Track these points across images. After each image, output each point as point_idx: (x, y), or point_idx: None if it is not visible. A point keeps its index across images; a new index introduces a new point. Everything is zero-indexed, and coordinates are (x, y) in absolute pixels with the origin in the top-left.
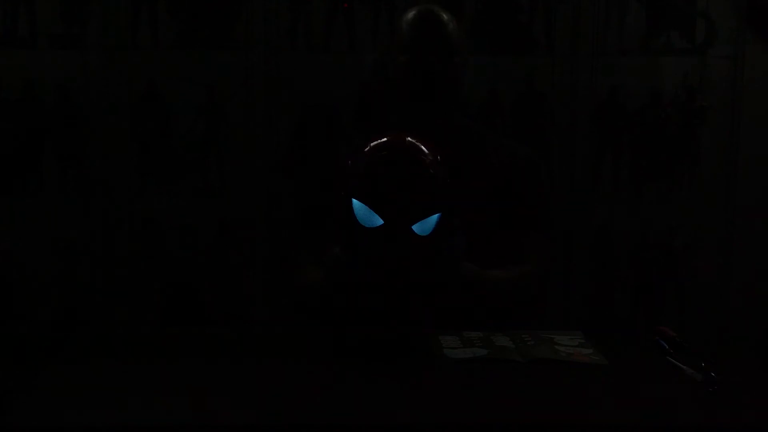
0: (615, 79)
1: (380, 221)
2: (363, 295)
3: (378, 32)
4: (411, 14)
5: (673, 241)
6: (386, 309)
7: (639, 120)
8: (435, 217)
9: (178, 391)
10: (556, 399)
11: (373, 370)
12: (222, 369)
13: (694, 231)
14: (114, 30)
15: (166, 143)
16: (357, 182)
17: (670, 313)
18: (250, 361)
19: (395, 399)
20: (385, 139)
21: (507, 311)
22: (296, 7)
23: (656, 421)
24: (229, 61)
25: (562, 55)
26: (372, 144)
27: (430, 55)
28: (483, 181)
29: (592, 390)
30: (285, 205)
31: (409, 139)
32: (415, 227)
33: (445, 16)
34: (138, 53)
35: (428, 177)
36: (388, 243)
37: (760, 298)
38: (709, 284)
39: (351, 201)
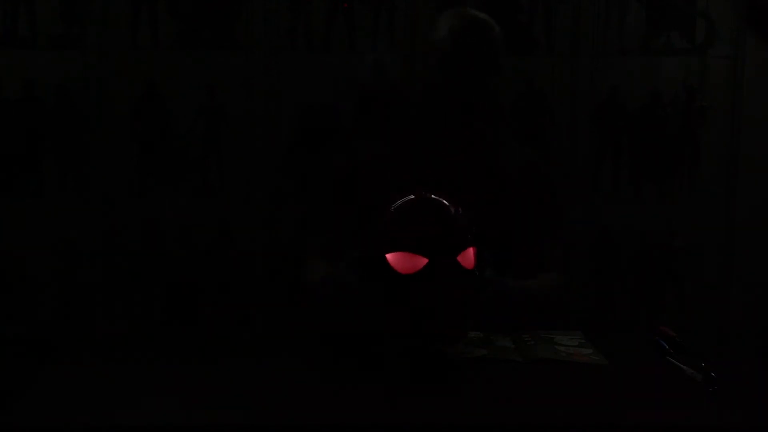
0: (615, 79)
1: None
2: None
3: (378, 32)
4: (456, 21)
5: (673, 241)
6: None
7: (639, 120)
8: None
9: (178, 391)
10: (556, 399)
11: (373, 370)
12: (222, 369)
13: (695, 231)
14: (114, 30)
15: (166, 143)
16: (392, 236)
17: (670, 313)
18: (250, 361)
19: (395, 399)
20: (410, 197)
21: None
22: (296, 7)
23: (656, 421)
24: (229, 61)
25: (562, 55)
26: (397, 204)
27: (478, 65)
28: (499, 185)
29: (592, 390)
30: (285, 205)
31: (433, 196)
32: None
33: (492, 25)
34: (138, 53)
35: (457, 223)
36: (435, 279)
37: (760, 298)
38: (709, 284)
39: (384, 258)
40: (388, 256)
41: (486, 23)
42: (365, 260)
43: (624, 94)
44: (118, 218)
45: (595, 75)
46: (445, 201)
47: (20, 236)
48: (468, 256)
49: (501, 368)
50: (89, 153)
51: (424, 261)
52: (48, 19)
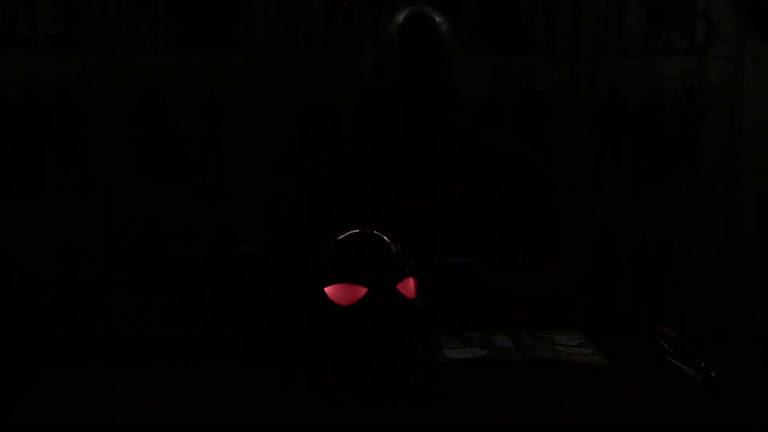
0: (615, 79)
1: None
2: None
3: (378, 32)
4: (400, 18)
5: (673, 241)
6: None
7: (639, 120)
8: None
9: (178, 391)
10: (556, 399)
11: (372, 370)
12: (221, 369)
13: (694, 231)
14: (114, 30)
15: (166, 143)
16: (330, 268)
17: (670, 313)
18: (250, 361)
19: (395, 399)
20: (353, 231)
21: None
22: (296, 7)
23: (656, 421)
24: (229, 61)
25: (562, 55)
26: (337, 238)
27: (421, 59)
28: (480, 178)
29: (592, 390)
30: (283, 205)
31: (376, 232)
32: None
33: (436, 18)
34: (138, 53)
35: (396, 254)
36: (375, 307)
37: (760, 298)
38: (709, 284)
39: (323, 292)
40: (327, 289)
41: (427, 15)
42: (304, 294)
43: (624, 94)
44: (118, 218)
45: (595, 75)
46: (385, 237)
47: (20, 236)
48: (408, 286)
49: (501, 368)
50: (89, 153)
51: (364, 290)
52: (48, 18)
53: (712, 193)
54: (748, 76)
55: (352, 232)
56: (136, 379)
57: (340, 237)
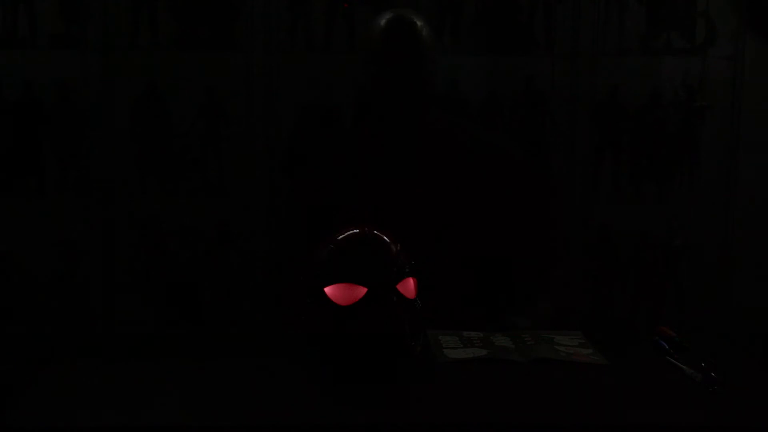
0: (615, 79)
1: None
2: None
3: None
4: (381, 22)
5: (673, 241)
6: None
7: (639, 120)
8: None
9: (178, 391)
10: (556, 399)
11: (372, 369)
12: (222, 369)
13: (694, 231)
14: (114, 30)
15: (166, 143)
16: (330, 268)
17: (670, 313)
18: (250, 361)
19: (395, 399)
20: (353, 231)
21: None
22: (296, 7)
23: (656, 421)
24: (229, 61)
25: (562, 55)
26: (337, 237)
27: (401, 63)
28: (461, 170)
29: (592, 390)
30: (283, 205)
31: (375, 231)
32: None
33: (417, 23)
34: (138, 53)
35: (396, 254)
36: (375, 307)
37: (760, 298)
38: (709, 284)
39: (322, 291)
40: (327, 289)
41: (409, 19)
42: (305, 293)
43: (624, 94)
44: (118, 218)
45: (595, 75)
46: (385, 237)
47: (21, 236)
48: (408, 286)
49: (501, 368)
50: (89, 153)
51: (364, 290)
52: (48, 18)
53: (712, 193)
54: (748, 76)
55: (352, 232)
56: (136, 379)
57: (340, 237)
